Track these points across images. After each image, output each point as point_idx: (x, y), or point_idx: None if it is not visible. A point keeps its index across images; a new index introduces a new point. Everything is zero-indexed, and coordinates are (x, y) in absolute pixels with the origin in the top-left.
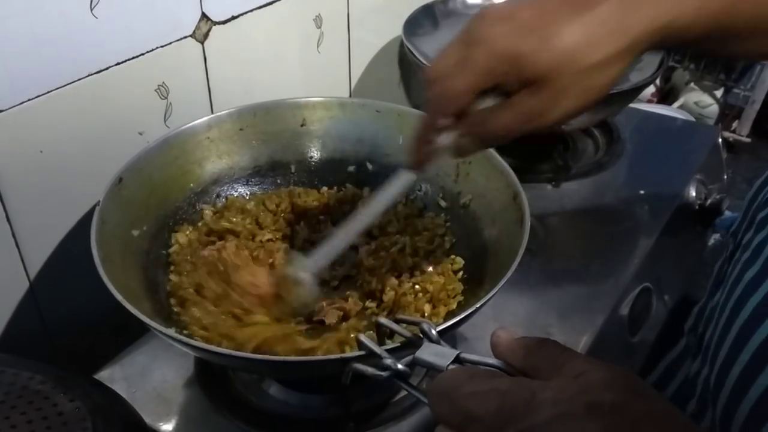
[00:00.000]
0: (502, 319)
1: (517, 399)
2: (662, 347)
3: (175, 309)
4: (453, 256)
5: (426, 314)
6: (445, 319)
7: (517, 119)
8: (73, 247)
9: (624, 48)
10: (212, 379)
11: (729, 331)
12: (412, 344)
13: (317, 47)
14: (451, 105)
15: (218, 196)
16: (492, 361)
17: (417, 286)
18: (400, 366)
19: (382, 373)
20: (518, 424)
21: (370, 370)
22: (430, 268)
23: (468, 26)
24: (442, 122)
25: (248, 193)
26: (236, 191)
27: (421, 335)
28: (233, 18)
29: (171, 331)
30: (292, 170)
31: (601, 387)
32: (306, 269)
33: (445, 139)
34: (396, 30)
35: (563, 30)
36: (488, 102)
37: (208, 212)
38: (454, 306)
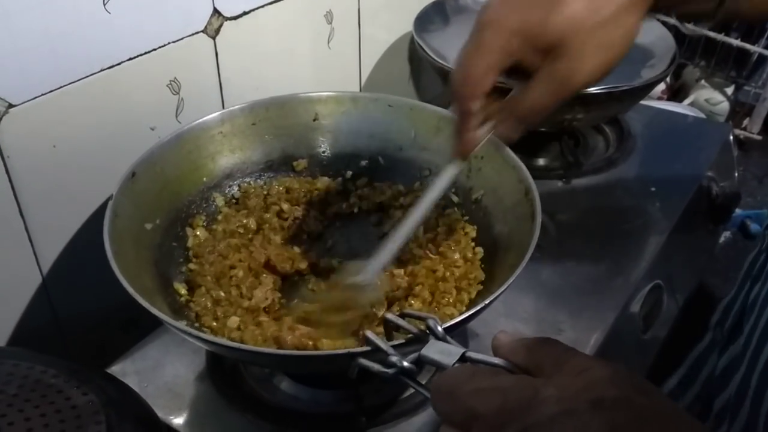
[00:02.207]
0: (513, 315)
1: (520, 396)
2: (680, 343)
3: (184, 298)
4: (474, 246)
5: (452, 299)
6: (468, 308)
7: (547, 90)
8: (86, 242)
9: (629, 0)
10: (224, 373)
11: None
12: (418, 340)
13: (328, 43)
14: (475, 88)
15: (231, 189)
16: (497, 360)
17: (438, 272)
18: (405, 363)
19: (388, 370)
20: (521, 421)
21: (375, 366)
22: (453, 252)
23: (477, 17)
24: (472, 106)
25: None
26: (249, 186)
27: (428, 332)
28: (245, 13)
29: (182, 324)
30: (305, 164)
31: (604, 383)
32: (366, 276)
33: (485, 127)
34: (406, 26)
35: None
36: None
37: (220, 200)
38: (474, 294)
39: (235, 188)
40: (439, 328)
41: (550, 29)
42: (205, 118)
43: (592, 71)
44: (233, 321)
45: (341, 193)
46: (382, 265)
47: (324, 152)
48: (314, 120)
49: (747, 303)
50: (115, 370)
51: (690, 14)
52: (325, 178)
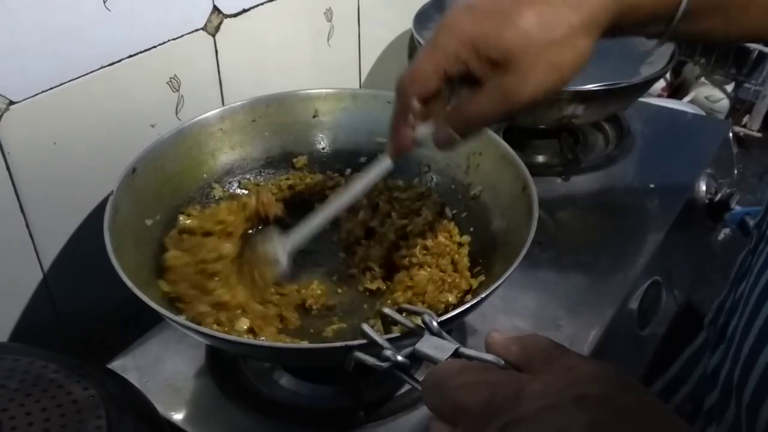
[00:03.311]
0: (512, 311)
1: (506, 391)
2: (677, 341)
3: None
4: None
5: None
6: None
7: (491, 101)
8: (87, 238)
9: (582, 22)
10: (223, 369)
11: (753, 323)
12: (414, 334)
13: (327, 41)
14: (420, 87)
15: (231, 186)
16: (488, 356)
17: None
18: (399, 357)
19: (382, 364)
20: (506, 415)
21: (370, 360)
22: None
23: (439, 22)
24: (413, 102)
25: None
26: (249, 182)
27: (423, 326)
28: (244, 11)
29: (181, 319)
30: (305, 161)
31: (590, 381)
32: (281, 249)
33: (424, 129)
34: (406, 23)
35: (523, 9)
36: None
37: (218, 190)
38: (476, 285)
39: (235, 184)
40: (434, 323)
41: (501, 42)
42: (205, 115)
43: (538, 89)
44: (243, 322)
45: None
46: (292, 246)
47: (324, 149)
48: (314, 117)
49: (734, 301)
50: (115, 365)
51: (644, 34)
52: (324, 175)
